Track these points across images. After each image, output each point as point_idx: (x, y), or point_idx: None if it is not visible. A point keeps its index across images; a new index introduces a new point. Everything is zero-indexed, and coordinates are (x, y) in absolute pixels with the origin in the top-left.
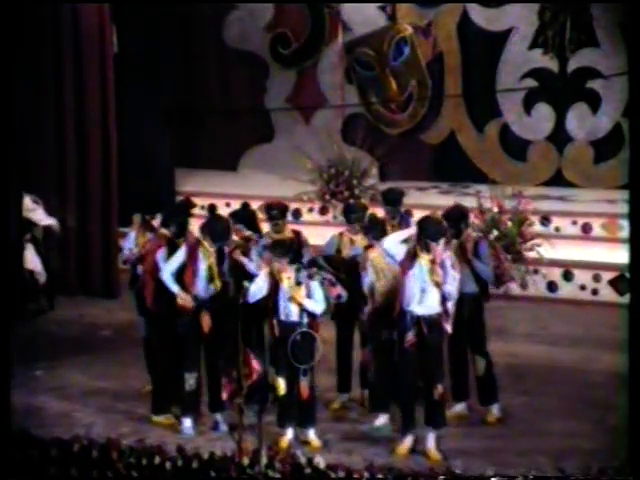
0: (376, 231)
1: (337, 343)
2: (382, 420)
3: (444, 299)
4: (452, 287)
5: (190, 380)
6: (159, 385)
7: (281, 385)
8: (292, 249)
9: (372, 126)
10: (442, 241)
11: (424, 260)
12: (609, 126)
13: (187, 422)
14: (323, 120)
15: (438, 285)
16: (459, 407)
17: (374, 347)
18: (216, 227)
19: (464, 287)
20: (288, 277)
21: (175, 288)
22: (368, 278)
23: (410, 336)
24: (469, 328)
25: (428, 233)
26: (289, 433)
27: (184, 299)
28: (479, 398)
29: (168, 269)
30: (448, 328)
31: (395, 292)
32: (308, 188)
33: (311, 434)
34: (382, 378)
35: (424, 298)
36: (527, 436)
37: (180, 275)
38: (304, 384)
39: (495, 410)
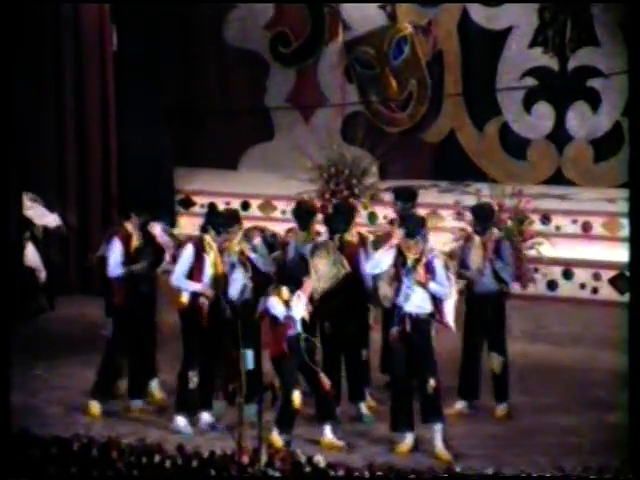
0: (336, 224)
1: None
2: (363, 408)
3: (436, 299)
4: (442, 287)
5: (194, 378)
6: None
7: (297, 399)
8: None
9: (372, 125)
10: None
11: (410, 259)
12: (609, 125)
13: (181, 420)
14: (323, 119)
15: (420, 285)
16: (459, 405)
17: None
18: (218, 217)
19: (485, 286)
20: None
21: (195, 287)
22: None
23: (394, 331)
24: (489, 326)
25: (407, 230)
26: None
27: (207, 293)
28: (495, 396)
29: (179, 272)
30: (452, 326)
31: (342, 286)
32: (308, 187)
33: (327, 430)
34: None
35: (410, 296)
36: (527, 435)
37: (189, 275)
38: (324, 378)
39: (504, 407)
